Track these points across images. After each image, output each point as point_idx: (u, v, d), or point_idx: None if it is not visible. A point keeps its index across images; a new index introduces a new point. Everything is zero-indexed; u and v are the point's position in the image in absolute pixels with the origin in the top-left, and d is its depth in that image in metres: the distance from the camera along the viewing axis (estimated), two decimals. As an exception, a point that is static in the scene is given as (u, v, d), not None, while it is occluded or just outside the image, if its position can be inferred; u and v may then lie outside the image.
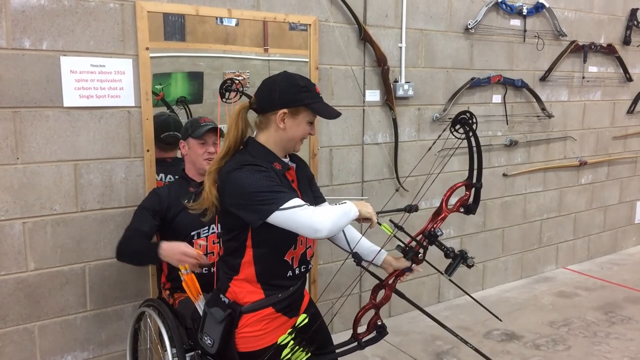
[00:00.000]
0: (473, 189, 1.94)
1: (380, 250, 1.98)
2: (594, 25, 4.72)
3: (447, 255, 1.83)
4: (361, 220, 1.80)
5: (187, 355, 2.23)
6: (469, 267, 1.82)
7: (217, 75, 3.29)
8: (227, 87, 2.45)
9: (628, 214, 5.48)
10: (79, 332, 2.71)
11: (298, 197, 1.73)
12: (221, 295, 1.86)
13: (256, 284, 1.82)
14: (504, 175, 4.35)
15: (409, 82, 3.66)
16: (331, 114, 1.86)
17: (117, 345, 2.81)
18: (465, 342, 2.03)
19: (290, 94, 1.80)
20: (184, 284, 2.14)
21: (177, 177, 2.69)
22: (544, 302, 4.23)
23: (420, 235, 1.86)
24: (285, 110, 1.79)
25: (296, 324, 1.82)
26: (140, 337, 2.67)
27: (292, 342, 1.78)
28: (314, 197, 2.01)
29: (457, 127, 1.93)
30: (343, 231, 1.91)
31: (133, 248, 2.39)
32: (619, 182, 5.30)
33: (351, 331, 2.00)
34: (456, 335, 2.01)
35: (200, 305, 2.13)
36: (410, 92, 3.66)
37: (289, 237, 1.79)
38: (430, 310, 3.95)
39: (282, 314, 1.86)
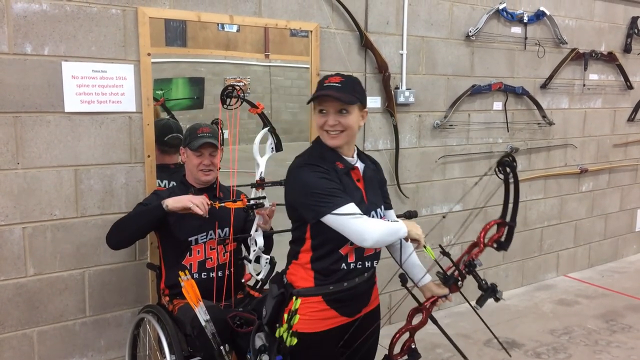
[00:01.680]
0: (507, 227, 2.00)
1: (425, 274, 2.02)
2: (594, 33, 4.73)
3: (480, 287, 1.89)
4: (408, 240, 1.85)
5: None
6: (497, 300, 1.89)
7: (218, 80, 3.30)
8: (228, 94, 2.45)
9: (629, 221, 5.47)
10: (78, 338, 2.70)
11: (354, 203, 1.78)
12: (283, 276, 1.97)
13: (310, 272, 1.89)
14: (505, 182, 4.34)
15: (409, 89, 3.66)
16: (319, 93, 1.85)
17: (116, 351, 2.79)
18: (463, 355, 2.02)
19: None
20: (184, 290, 2.13)
21: (178, 182, 2.67)
22: (545, 310, 4.21)
23: (461, 264, 1.88)
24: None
25: (292, 307, 1.82)
26: (140, 344, 2.66)
27: (287, 317, 1.82)
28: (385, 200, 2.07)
29: (500, 168, 1.95)
30: (401, 241, 1.95)
31: (129, 215, 2.41)
32: (620, 189, 5.29)
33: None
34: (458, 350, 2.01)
35: (200, 311, 2.12)
36: (411, 99, 3.66)
37: None
38: (431, 318, 3.95)
39: (333, 309, 1.88)
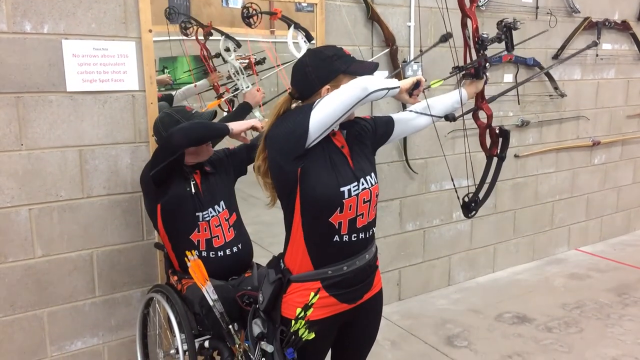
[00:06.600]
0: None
1: (461, 90, 2.22)
2: (607, 2, 4.60)
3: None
4: (409, 92, 1.92)
5: (196, 340, 2.22)
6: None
7: (223, 58, 3.24)
8: (248, 15, 2.82)
9: (642, 194, 5.40)
10: (88, 318, 2.71)
11: (338, 168, 1.77)
12: (280, 260, 1.89)
13: (305, 252, 1.79)
14: (516, 156, 4.29)
15: (418, 62, 3.58)
16: (368, 68, 1.82)
17: (126, 330, 2.81)
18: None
19: (324, 68, 1.78)
20: (190, 270, 2.11)
21: None
22: (556, 284, 4.18)
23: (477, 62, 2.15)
24: (327, 86, 1.77)
25: (308, 302, 1.75)
26: (150, 323, 2.66)
27: (302, 313, 1.74)
28: (385, 123, 2.10)
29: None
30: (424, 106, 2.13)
31: (197, 123, 2.26)
32: (633, 162, 5.21)
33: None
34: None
35: (207, 291, 2.11)
36: (420, 73, 3.59)
37: (333, 198, 1.73)
38: (441, 293, 3.94)
39: (332, 296, 1.79)
